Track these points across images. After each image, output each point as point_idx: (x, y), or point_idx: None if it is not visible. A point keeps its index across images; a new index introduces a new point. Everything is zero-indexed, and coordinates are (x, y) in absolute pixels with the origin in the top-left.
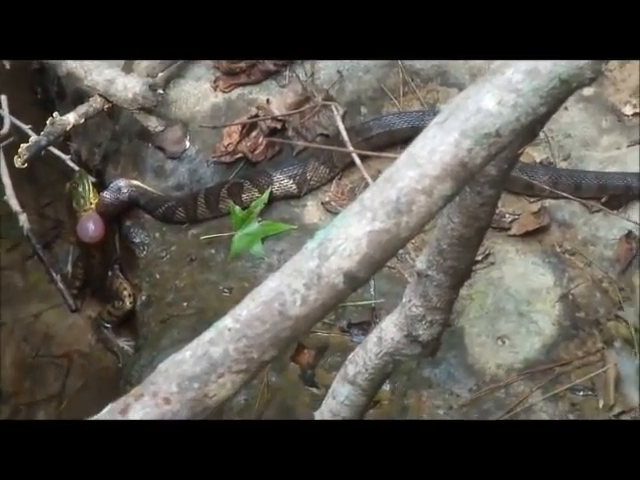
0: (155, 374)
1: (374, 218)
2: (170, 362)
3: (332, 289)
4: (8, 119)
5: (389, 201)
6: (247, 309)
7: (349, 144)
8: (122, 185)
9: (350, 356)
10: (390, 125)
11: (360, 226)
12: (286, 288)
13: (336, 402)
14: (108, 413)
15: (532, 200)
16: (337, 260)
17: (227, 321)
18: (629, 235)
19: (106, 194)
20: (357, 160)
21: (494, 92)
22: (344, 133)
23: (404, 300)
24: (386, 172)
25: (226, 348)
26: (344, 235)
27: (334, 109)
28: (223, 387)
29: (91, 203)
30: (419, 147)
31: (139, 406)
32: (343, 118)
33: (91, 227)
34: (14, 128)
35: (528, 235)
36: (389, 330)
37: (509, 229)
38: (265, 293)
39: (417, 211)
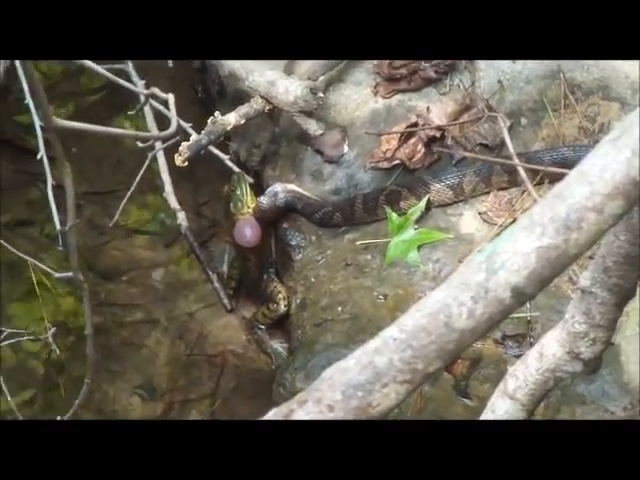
0: (319, 381)
1: (543, 234)
2: (335, 369)
3: (499, 303)
4: (175, 119)
5: (558, 217)
6: (413, 319)
7: (515, 157)
8: (279, 190)
9: (510, 370)
10: (563, 158)
11: (529, 241)
12: (453, 300)
13: (495, 416)
14: (272, 417)
15: None
16: (505, 274)
17: (393, 331)
18: None
19: (263, 199)
20: (523, 173)
21: None
22: (510, 146)
23: (567, 316)
24: (556, 188)
25: (391, 358)
26: (512, 250)
27: (500, 121)
28: (387, 397)
29: (248, 207)
30: (590, 164)
31: (303, 412)
32: (508, 130)
33: (248, 232)
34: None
35: None
36: (550, 346)
37: None
38: (431, 304)
39: (587, 228)
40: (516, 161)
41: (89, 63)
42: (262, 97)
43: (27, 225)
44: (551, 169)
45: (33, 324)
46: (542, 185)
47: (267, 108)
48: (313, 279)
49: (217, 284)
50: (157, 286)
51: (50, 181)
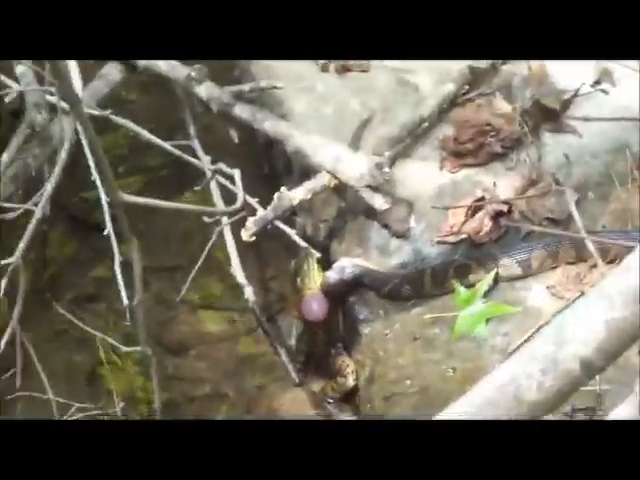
0: None
1: (612, 307)
2: None
3: (568, 376)
4: (242, 194)
5: (628, 290)
6: (482, 392)
7: (583, 230)
8: (346, 265)
9: None
10: (633, 240)
11: (598, 314)
12: (522, 373)
13: None
14: None
15: None
16: (574, 346)
17: (461, 404)
18: None
19: (330, 274)
20: (591, 247)
21: None
22: (578, 219)
23: (636, 389)
24: (625, 260)
25: None
26: (581, 322)
27: (568, 194)
28: None
29: (315, 282)
30: None
31: None
32: (576, 204)
33: (316, 307)
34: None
35: None
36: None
37: None
38: (500, 377)
39: None
40: (584, 235)
41: (156, 139)
42: (328, 172)
43: (94, 301)
44: (619, 242)
45: (102, 399)
46: (613, 263)
47: (333, 183)
48: (381, 353)
49: (285, 358)
50: (225, 360)
51: (117, 257)
